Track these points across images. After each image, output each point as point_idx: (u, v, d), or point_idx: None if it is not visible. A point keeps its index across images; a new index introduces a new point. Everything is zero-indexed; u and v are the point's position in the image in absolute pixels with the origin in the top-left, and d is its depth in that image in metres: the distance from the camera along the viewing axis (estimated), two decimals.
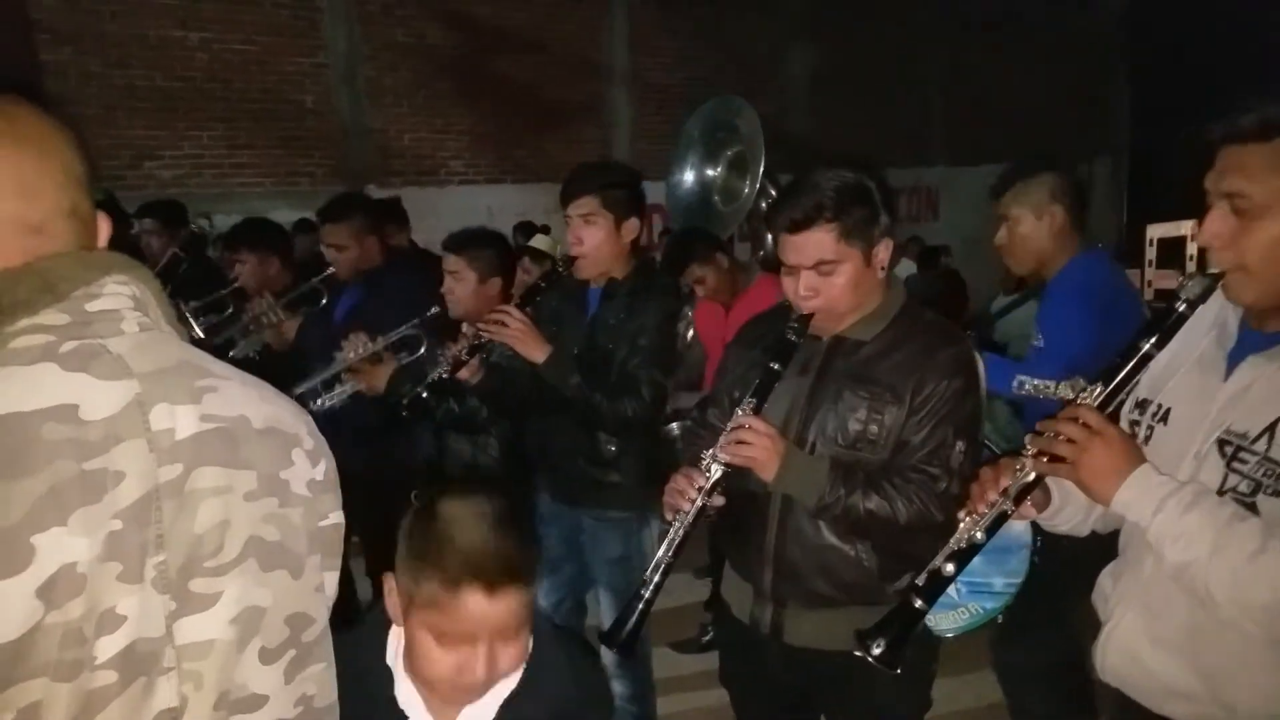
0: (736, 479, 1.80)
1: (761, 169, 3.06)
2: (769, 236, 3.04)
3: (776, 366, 1.81)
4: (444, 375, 2.53)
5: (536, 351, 2.44)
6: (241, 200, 7.51)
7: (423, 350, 2.92)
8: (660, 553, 1.82)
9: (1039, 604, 2.44)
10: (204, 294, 3.71)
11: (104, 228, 0.96)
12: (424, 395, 2.54)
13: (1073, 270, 2.54)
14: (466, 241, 2.86)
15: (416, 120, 8.67)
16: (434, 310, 2.88)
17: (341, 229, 3.34)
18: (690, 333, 3.65)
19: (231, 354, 3.42)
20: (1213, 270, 1.32)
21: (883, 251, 1.84)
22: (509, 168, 9.04)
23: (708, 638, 3.85)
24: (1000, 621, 2.55)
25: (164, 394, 0.86)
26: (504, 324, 2.44)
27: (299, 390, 2.95)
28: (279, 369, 3.09)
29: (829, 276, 1.78)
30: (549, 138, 9.15)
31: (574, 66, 9.32)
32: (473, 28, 8.73)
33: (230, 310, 3.73)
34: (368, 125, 8.45)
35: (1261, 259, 1.26)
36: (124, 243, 3.74)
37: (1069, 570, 2.20)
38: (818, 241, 1.77)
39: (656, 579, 1.81)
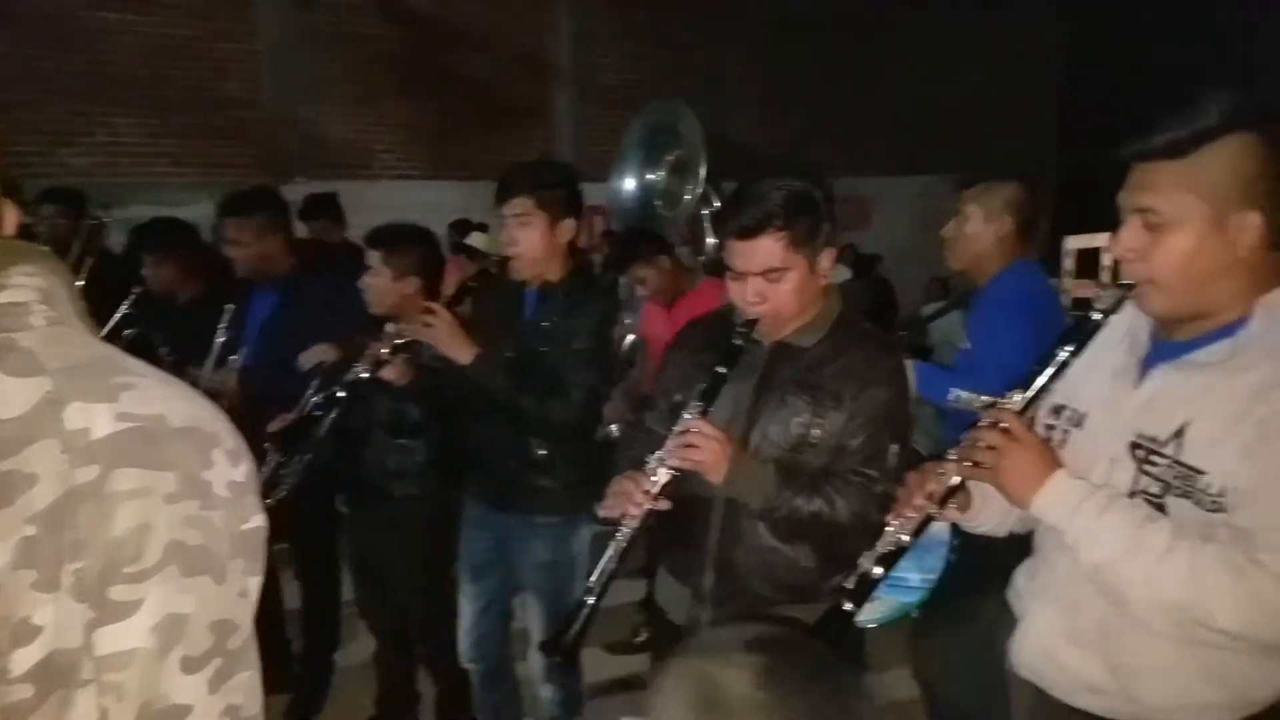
0: (680, 482, 1.81)
1: (703, 174, 3.06)
2: (709, 239, 3.07)
3: (723, 370, 1.83)
4: (363, 375, 2.47)
5: (462, 352, 2.40)
6: (161, 191, 7.26)
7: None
8: (605, 559, 1.81)
9: (954, 600, 2.52)
10: (107, 291, 3.53)
11: (11, 216, 0.93)
12: (340, 395, 2.49)
13: (1005, 280, 2.61)
14: (386, 237, 2.80)
15: (348, 112, 8.47)
16: (327, 361, 2.80)
17: (240, 224, 3.20)
18: (631, 336, 3.64)
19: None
20: (1125, 282, 1.39)
21: (826, 260, 1.89)
22: (448, 164, 8.91)
23: (641, 639, 3.88)
24: (915, 617, 2.63)
25: (78, 391, 0.82)
26: (429, 324, 2.40)
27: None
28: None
29: (776, 283, 1.82)
30: (492, 135, 9.06)
31: (519, 64, 9.24)
32: (414, 20, 8.60)
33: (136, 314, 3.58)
34: (296, 116, 8.22)
35: (1171, 272, 1.33)
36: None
37: (984, 568, 2.28)
38: (766, 249, 1.80)
39: (602, 586, 1.81)
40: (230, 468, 0.90)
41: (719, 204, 3.37)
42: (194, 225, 3.90)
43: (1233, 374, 1.29)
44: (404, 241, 2.81)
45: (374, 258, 2.77)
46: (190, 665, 0.85)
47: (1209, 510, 1.28)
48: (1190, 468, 1.30)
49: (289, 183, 7.07)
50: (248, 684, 0.91)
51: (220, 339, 3.25)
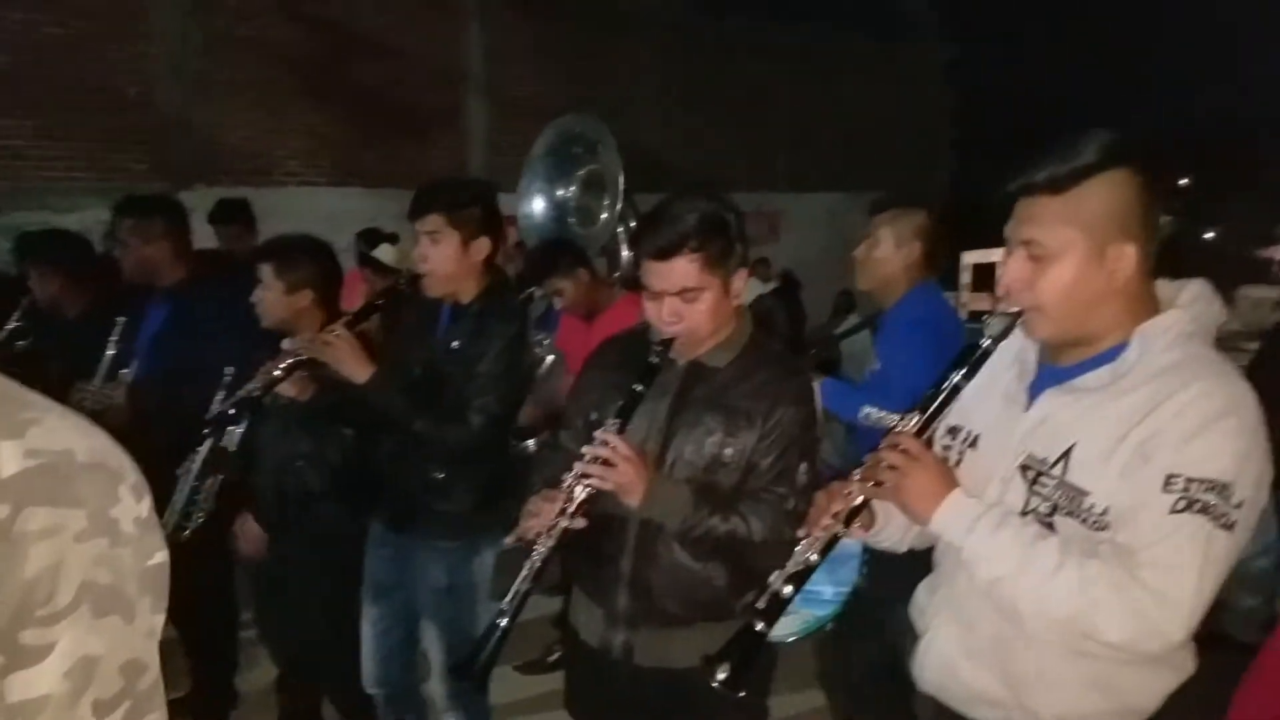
0: (595, 501, 1.82)
1: (621, 189, 3.06)
2: (624, 254, 3.08)
3: (640, 388, 1.85)
4: (256, 393, 2.41)
5: (358, 372, 2.36)
6: (53, 196, 6.96)
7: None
8: (520, 579, 1.81)
9: (865, 612, 2.60)
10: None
11: None
12: (230, 413, 2.43)
13: (911, 301, 2.73)
14: (278, 250, 2.74)
15: (251, 117, 8.23)
16: (228, 374, 2.74)
17: (133, 226, 3.14)
18: (550, 358, 3.62)
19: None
20: (1012, 310, 1.46)
21: (739, 281, 1.92)
22: (355, 171, 8.74)
23: (554, 658, 3.82)
24: (829, 629, 2.70)
25: None
26: (327, 342, 2.35)
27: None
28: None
29: (692, 303, 1.85)
30: (401, 143, 8.92)
31: (430, 73, 9.14)
32: (320, 25, 8.42)
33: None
34: (196, 120, 7.96)
35: (1054, 300, 1.40)
36: None
37: (894, 580, 2.36)
38: (682, 270, 1.83)
39: (515, 607, 1.80)
40: (135, 503, 0.88)
41: (635, 222, 3.38)
42: (82, 236, 3.77)
43: (1113, 399, 1.37)
44: (297, 254, 2.74)
45: (265, 271, 2.70)
46: (102, 709, 0.83)
47: (1094, 529, 1.35)
48: (1076, 488, 1.37)
49: (188, 189, 6.84)
50: None
51: (110, 352, 3.16)
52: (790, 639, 2.57)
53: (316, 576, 2.79)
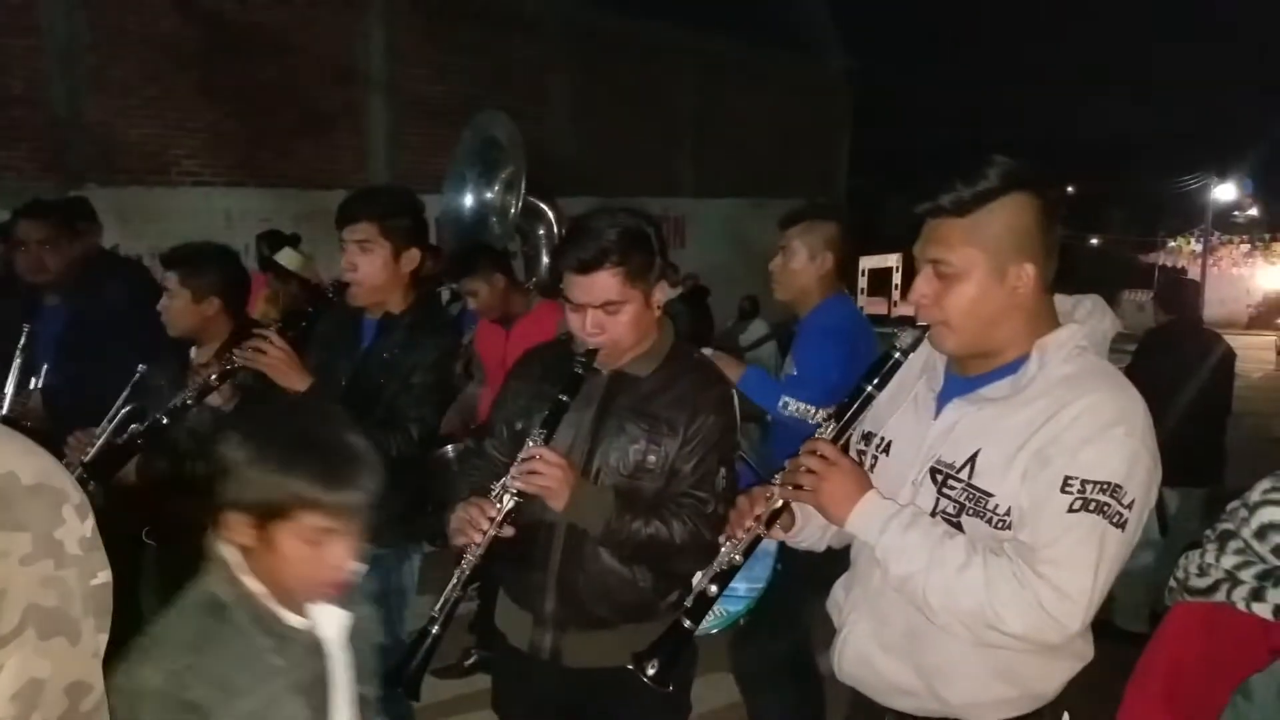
0: (522, 508, 1.86)
1: (524, 182, 3.08)
2: (544, 261, 3.11)
3: (565, 398, 1.89)
4: (188, 402, 2.38)
5: (296, 381, 2.34)
6: None
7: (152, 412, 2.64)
8: (450, 587, 1.83)
9: (778, 607, 2.70)
10: None
11: None
12: (164, 422, 2.38)
13: (825, 310, 2.86)
14: (184, 258, 2.71)
15: (145, 114, 7.89)
16: (140, 371, 2.65)
17: (32, 226, 3.13)
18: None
19: None
20: (921, 324, 1.56)
21: (659, 293, 1.99)
22: (253, 170, 8.48)
23: (469, 662, 3.84)
24: (742, 624, 2.80)
25: None
26: (261, 351, 2.32)
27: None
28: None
29: (614, 315, 1.90)
30: (300, 142, 8.70)
31: (329, 71, 8.92)
32: (216, 22, 8.12)
33: None
34: (87, 117, 7.61)
35: (960, 315, 1.50)
36: None
37: (806, 578, 2.46)
38: (604, 283, 1.88)
39: (446, 614, 1.83)
40: (79, 523, 0.88)
41: (549, 218, 3.39)
42: None
43: (1015, 409, 1.48)
44: (203, 261, 2.72)
45: (171, 279, 2.66)
46: None
47: (998, 528, 1.46)
48: (981, 490, 1.48)
49: (80, 188, 6.53)
50: None
51: (18, 360, 3.05)
52: (712, 632, 2.66)
53: None
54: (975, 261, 1.48)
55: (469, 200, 3.18)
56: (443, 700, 3.57)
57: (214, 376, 2.38)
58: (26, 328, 3.09)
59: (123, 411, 2.56)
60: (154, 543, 2.84)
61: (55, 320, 3.15)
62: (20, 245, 3.09)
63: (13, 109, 7.29)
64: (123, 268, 4.18)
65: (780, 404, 2.70)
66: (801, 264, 2.85)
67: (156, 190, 7.69)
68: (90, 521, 0.90)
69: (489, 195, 3.21)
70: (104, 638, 0.91)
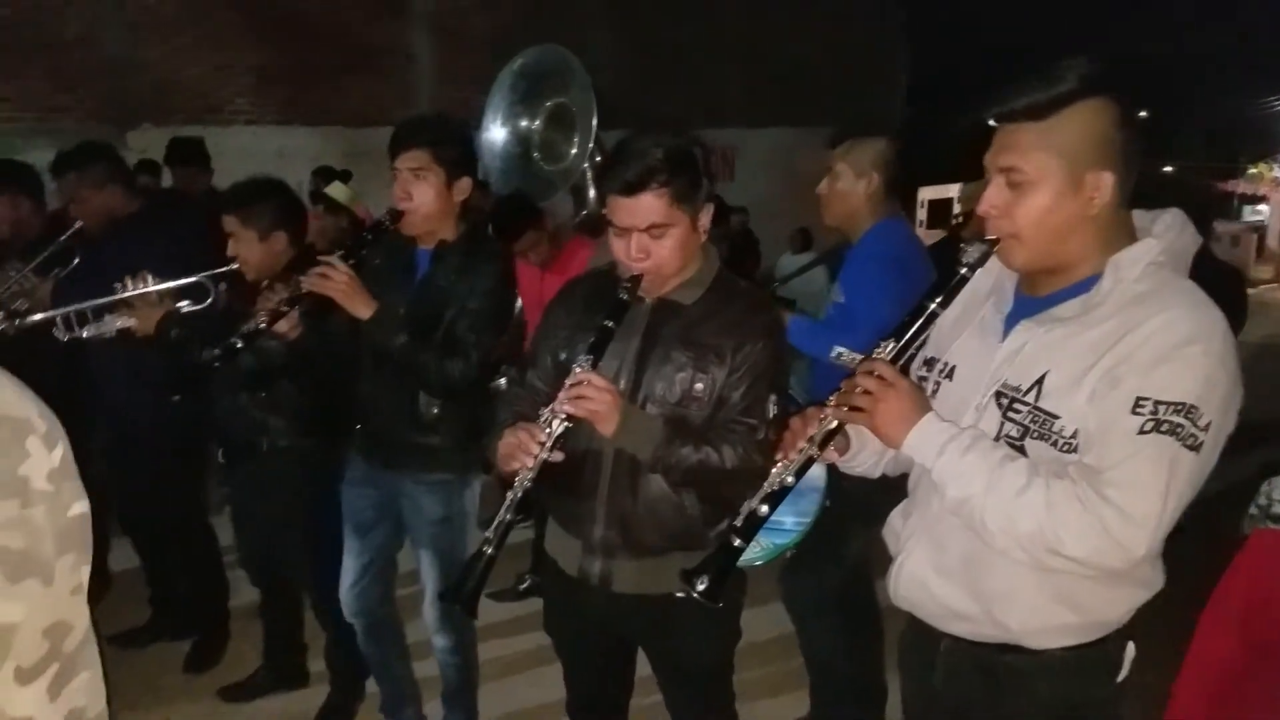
0: (570, 437, 1.84)
1: (594, 126, 2.97)
2: (591, 196, 3.04)
3: (610, 324, 1.86)
4: (260, 327, 2.40)
5: (362, 307, 2.34)
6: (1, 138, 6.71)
7: (210, 301, 2.80)
8: (503, 509, 1.83)
9: (824, 542, 2.67)
10: None
11: None
12: (238, 346, 2.41)
13: (876, 235, 2.73)
14: (241, 198, 2.72)
15: (197, 55, 7.96)
16: (232, 267, 2.75)
17: (73, 179, 3.17)
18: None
19: None
20: (990, 237, 1.48)
21: (705, 216, 1.93)
22: (303, 109, 8.51)
23: (525, 586, 3.95)
24: (790, 556, 2.78)
25: None
26: (328, 277, 2.32)
27: (69, 310, 2.85)
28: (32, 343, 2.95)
29: (659, 239, 1.85)
30: (347, 79, 8.68)
31: (373, 6, 8.86)
32: None
33: None
34: (140, 59, 7.68)
35: (1032, 227, 1.43)
36: None
37: (854, 511, 2.43)
38: (649, 205, 1.82)
39: (500, 536, 1.83)
40: (47, 454, 0.82)
41: (599, 158, 3.31)
42: (33, 167, 3.76)
43: (1085, 328, 1.41)
44: (259, 198, 2.73)
45: (232, 223, 2.68)
46: (24, 676, 0.79)
47: (1063, 451, 1.40)
48: (1047, 413, 1.42)
49: (135, 129, 6.62)
50: (89, 684, 0.86)
51: (55, 271, 3.27)
52: (757, 563, 2.65)
53: (285, 505, 2.86)
54: (1050, 169, 1.40)
55: (506, 132, 3.08)
56: (498, 622, 3.68)
57: (282, 302, 2.39)
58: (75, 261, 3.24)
59: (188, 281, 2.74)
60: (226, 462, 3.05)
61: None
62: (75, 198, 3.21)
63: (71, 53, 7.39)
64: (190, 208, 4.29)
65: (834, 354, 2.60)
66: (848, 185, 2.73)
67: (210, 130, 7.75)
68: (60, 450, 0.83)
69: (528, 125, 3.10)
70: (86, 570, 0.86)
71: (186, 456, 3.41)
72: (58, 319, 2.87)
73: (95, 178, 3.19)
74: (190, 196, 5.22)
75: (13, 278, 3.21)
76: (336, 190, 5.40)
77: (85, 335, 2.83)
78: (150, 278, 2.74)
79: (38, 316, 2.94)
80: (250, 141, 7.87)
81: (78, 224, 3.24)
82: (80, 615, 0.84)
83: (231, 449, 2.96)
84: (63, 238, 3.26)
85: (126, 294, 2.72)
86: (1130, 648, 1.53)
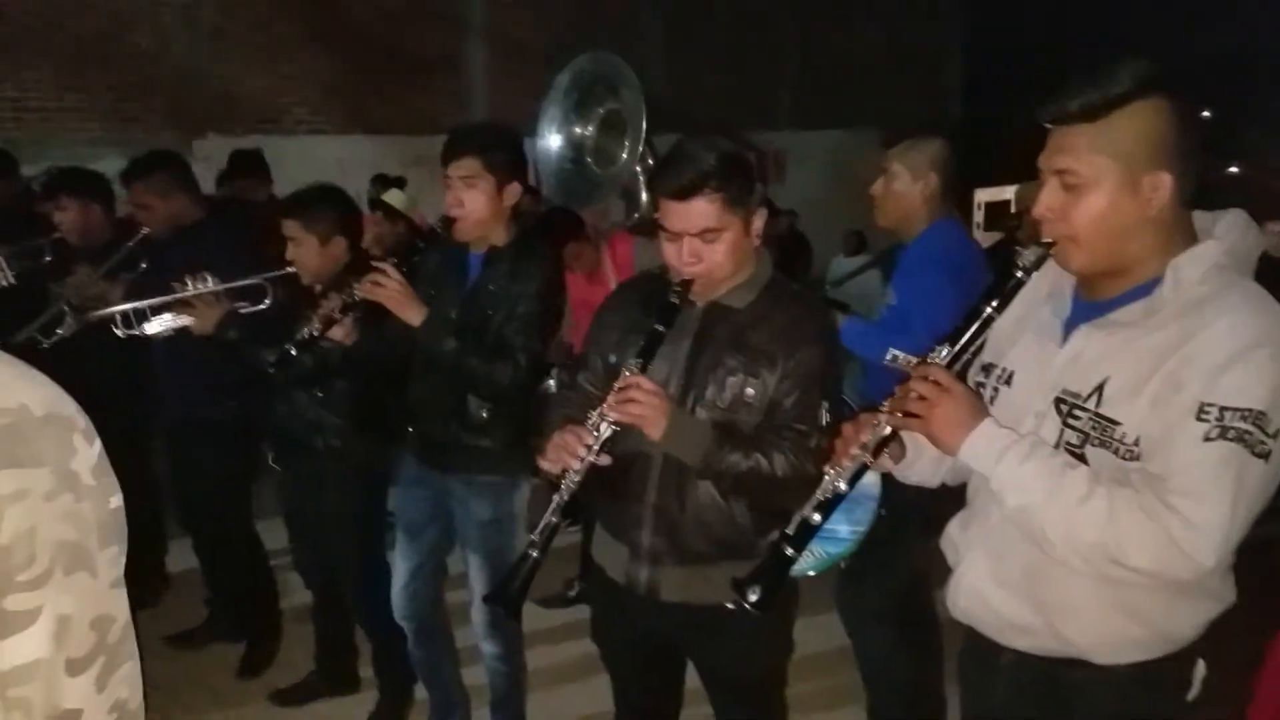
0: (618, 439, 1.84)
1: (644, 131, 3.00)
2: (643, 198, 3.05)
3: (661, 328, 1.85)
4: (314, 333, 2.47)
5: (413, 313, 2.38)
6: (68, 147, 6.92)
7: (266, 303, 2.88)
8: (549, 513, 1.84)
9: (880, 552, 2.62)
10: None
11: None
12: (293, 353, 2.48)
13: (931, 237, 2.68)
14: (303, 203, 2.78)
15: (261, 67, 8.16)
16: (289, 270, 2.81)
17: (140, 187, 3.25)
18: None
19: (59, 331, 3.30)
20: (1046, 240, 1.45)
21: (758, 220, 1.91)
22: (361, 119, 8.67)
23: (574, 593, 3.93)
24: (844, 567, 2.73)
25: None
26: (380, 284, 2.37)
27: (129, 307, 2.96)
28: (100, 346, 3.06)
29: (711, 244, 1.84)
30: (403, 89, 8.82)
31: (429, 17, 8.99)
32: None
33: (49, 259, 3.61)
34: (206, 71, 7.90)
35: (1088, 229, 1.39)
36: None
37: (910, 521, 2.38)
38: (702, 210, 1.82)
39: (545, 539, 1.84)
40: (89, 448, 0.85)
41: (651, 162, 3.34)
42: (104, 175, 3.86)
43: (1147, 333, 1.37)
44: (320, 205, 2.78)
45: (293, 227, 2.73)
46: (75, 667, 0.81)
47: (1125, 458, 1.36)
48: (1108, 419, 1.37)
49: (201, 138, 6.80)
50: (130, 675, 0.87)
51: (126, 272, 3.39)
52: (810, 573, 2.61)
53: (338, 506, 2.90)
54: (1105, 170, 1.36)
55: (560, 139, 3.12)
56: (547, 628, 3.67)
57: (337, 309, 2.44)
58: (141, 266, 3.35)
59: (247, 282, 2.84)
60: (279, 467, 3.10)
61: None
62: (141, 207, 3.30)
63: (138, 64, 7.63)
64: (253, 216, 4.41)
65: (888, 356, 2.55)
66: (904, 186, 2.68)
67: (273, 139, 7.94)
68: (97, 445, 0.86)
69: (581, 131, 3.13)
70: (123, 561, 0.88)
71: (243, 458, 3.48)
72: (117, 316, 2.97)
73: (161, 186, 3.27)
74: (252, 205, 5.35)
75: (83, 282, 3.31)
76: (394, 197, 5.47)
77: (145, 332, 2.93)
78: (210, 278, 2.83)
79: (100, 313, 3.05)
80: (313, 151, 8.03)
81: (144, 231, 3.33)
82: (121, 607, 0.86)
83: (285, 449, 3.01)
84: (129, 244, 3.36)
85: (186, 293, 2.80)
86: (1201, 665, 1.47)
